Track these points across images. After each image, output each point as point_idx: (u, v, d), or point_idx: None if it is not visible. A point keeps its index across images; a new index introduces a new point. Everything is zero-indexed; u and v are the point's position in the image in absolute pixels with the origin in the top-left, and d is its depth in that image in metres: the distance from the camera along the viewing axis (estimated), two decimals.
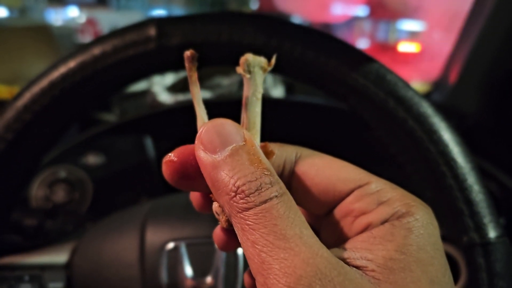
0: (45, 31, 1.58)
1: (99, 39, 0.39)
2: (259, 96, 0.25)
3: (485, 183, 0.37)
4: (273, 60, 0.25)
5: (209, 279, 0.41)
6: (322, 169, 0.25)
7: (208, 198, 0.27)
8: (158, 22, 0.38)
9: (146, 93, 1.04)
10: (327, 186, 0.24)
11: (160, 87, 1.00)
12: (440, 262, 0.21)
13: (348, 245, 0.22)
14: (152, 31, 0.37)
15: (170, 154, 0.24)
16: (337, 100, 0.41)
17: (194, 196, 0.28)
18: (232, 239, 0.27)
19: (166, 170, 0.24)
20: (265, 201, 0.20)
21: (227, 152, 0.21)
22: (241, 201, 0.20)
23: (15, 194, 0.41)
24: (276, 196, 0.20)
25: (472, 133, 0.86)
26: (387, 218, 0.22)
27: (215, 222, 0.45)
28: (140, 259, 0.42)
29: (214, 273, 0.42)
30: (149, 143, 0.79)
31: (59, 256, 0.43)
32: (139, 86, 1.06)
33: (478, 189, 0.35)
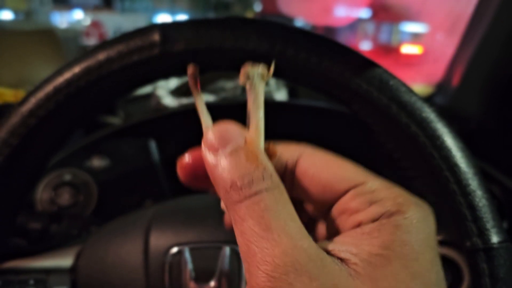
0: (50, 35, 1.59)
1: (103, 44, 0.39)
2: (261, 102, 0.26)
3: (488, 187, 0.37)
4: (272, 68, 0.26)
5: (212, 284, 0.42)
6: (321, 169, 0.26)
7: None
8: (162, 27, 0.38)
9: (150, 96, 1.04)
10: (325, 185, 0.25)
11: (164, 90, 1.00)
12: (427, 258, 0.21)
13: (338, 238, 0.23)
14: (156, 37, 0.38)
15: (184, 156, 0.27)
16: (340, 105, 0.41)
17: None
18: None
19: (180, 172, 0.27)
20: (255, 194, 0.22)
21: (228, 151, 0.23)
22: (235, 194, 0.22)
23: (20, 199, 0.42)
24: (266, 189, 0.22)
25: (475, 136, 0.86)
26: (377, 217, 0.23)
27: (219, 227, 0.45)
28: (145, 264, 0.42)
29: (218, 277, 0.42)
30: (153, 146, 0.80)
31: (64, 260, 0.44)
32: (144, 89, 1.06)
33: (481, 194, 0.35)
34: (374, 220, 0.23)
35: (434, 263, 0.22)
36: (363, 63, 0.38)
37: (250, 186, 0.22)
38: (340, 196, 0.25)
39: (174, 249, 0.43)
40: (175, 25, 0.39)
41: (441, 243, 0.38)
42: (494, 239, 0.34)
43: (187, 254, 0.42)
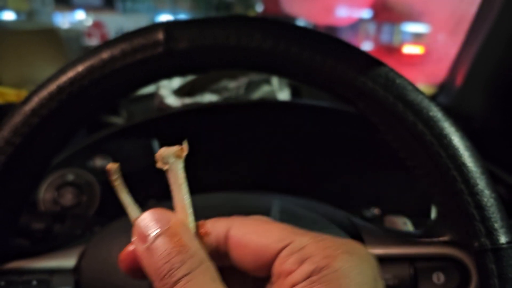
0: (52, 34, 1.59)
1: (107, 43, 0.39)
2: (182, 181, 0.27)
3: (495, 187, 0.36)
4: (185, 146, 0.27)
5: None
6: (251, 236, 0.26)
7: None
8: (166, 26, 0.38)
9: (153, 96, 1.04)
10: (258, 251, 0.25)
11: (167, 90, 1.00)
12: None
13: None
14: (160, 35, 0.37)
15: (126, 248, 0.27)
16: (345, 104, 0.41)
17: None
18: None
19: (121, 266, 0.27)
20: (177, 281, 0.22)
21: (152, 239, 0.23)
22: (162, 284, 0.22)
23: (23, 198, 0.41)
24: (188, 272, 0.22)
25: (479, 136, 0.85)
26: (308, 275, 0.22)
27: None
28: None
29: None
30: (156, 146, 0.79)
31: (67, 260, 0.43)
32: (147, 89, 1.06)
33: (489, 194, 0.35)
34: (306, 278, 0.22)
35: None
36: (368, 61, 0.38)
37: (172, 274, 0.22)
38: (273, 258, 0.24)
39: None
40: (179, 23, 0.38)
41: (449, 243, 0.38)
42: (503, 239, 0.34)
43: None
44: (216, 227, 0.27)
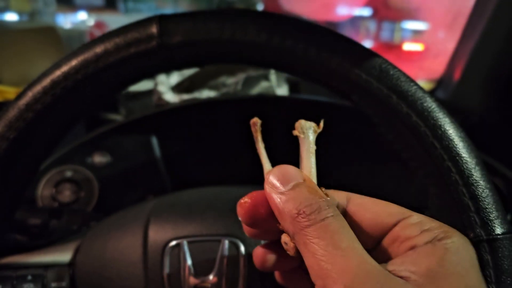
0: (52, 33, 1.59)
1: (101, 37, 0.39)
2: (313, 150, 0.31)
3: (492, 180, 0.36)
4: (321, 124, 0.32)
5: (211, 277, 0.41)
6: (371, 207, 0.30)
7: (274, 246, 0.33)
8: (160, 19, 0.38)
9: (151, 92, 1.04)
10: (376, 221, 0.29)
11: (165, 86, 1.00)
12: (475, 276, 0.26)
13: (394, 261, 0.27)
14: (153, 29, 0.37)
15: (244, 198, 0.30)
16: (340, 97, 0.40)
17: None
18: (278, 261, 0.33)
19: (240, 211, 0.30)
20: (323, 219, 0.25)
21: (290, 186, 0.27)
22: (303, 220, 0.25)
23: (18, 193, 0.41)
24: (332, 215, 0.26)
25: (477, 130, 0.85)
26: (430, 240, 0.26)
27: (218, 220, 0.45)
28: (143, 257, 0.42)
29: (217, 271, 0.41)
30: (154, 142, 0.79)
31: (62, 255, 0.43)
32: (145, 85, 1.06)
33: (484, 185, 0.35)
34: (427, 243, 0.26)
35: (481, 280, 0.26)
36: (362, 53, 0.38)
37: (319, 212, 0.25)
38: (390, 228, 0.29)
39: (173, 243, 0.42)
40: (173, 17, 0.38)
41: None
42: (498, 230, 0.34)
43: (185, 248, 0.42)
44: (336, 195, 0.31)
